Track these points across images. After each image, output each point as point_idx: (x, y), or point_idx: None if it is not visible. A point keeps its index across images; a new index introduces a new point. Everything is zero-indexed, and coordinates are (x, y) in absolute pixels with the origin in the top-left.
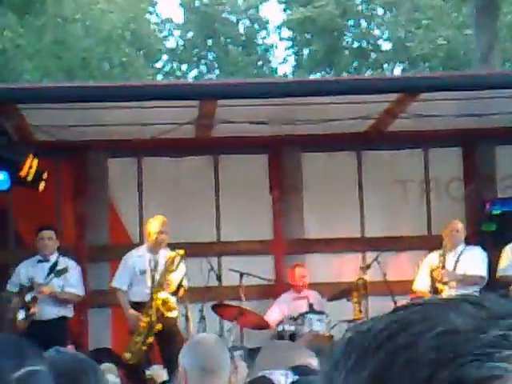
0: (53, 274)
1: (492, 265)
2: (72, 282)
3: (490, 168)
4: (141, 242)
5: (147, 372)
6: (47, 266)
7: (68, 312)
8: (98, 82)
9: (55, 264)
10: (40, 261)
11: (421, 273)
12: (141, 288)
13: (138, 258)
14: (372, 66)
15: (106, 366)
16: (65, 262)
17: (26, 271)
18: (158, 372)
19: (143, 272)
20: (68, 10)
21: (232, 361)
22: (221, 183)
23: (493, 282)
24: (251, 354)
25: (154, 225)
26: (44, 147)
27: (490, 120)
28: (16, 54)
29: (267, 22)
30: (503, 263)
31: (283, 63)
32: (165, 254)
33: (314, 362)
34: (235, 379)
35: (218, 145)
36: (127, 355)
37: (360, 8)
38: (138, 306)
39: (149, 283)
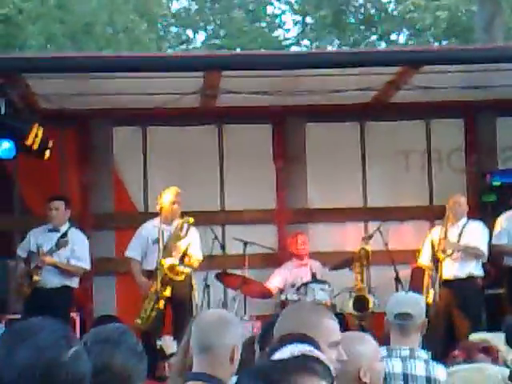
0: (67, 238)
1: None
2: (78, 254)
3: (491, 139)
4: (145, 211)
5: (158, 342)
6: (56, 236)
7: (72, 282)
8: (102, 49)
9: (64, 235)
10: (50, 230)
11: (424, 247)
12: (154, 257)
13: (151, 228)
14: (379, 33)
15: None
16: (73, 233)
17: (35, 238)
18: (169, 343)
19: (156, 242)
20: None
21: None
22: (225, 152)
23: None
24: None
25: (167, 195)
26: (49, 116)
27: (491, 92)
28: (20, 20)
29: None
30: (498, 233)
31: (287, 31)
32: (177, 224)
33: (336, 324)
34: None
35: (222, 114)
36: (138, 321)
37: None
38: (151, 274)
39: (161, 252)
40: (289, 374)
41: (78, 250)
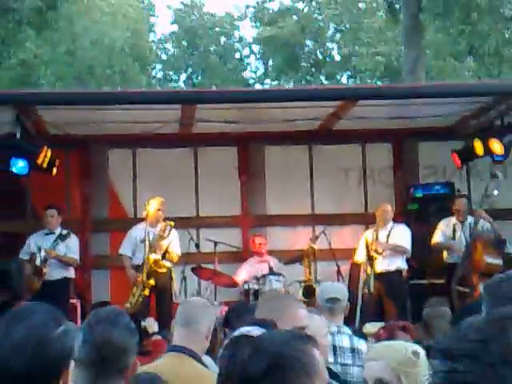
0: (58, 240)
1: (414, 238)
2: (73, 249)
3: (414, 160)
4: (135, 217)
5: (142, 323)
6: (52, 237)
7: (71, 274)
8: (101, 86)
9: (60, 235)
10: (47, 233)
11: (359, 247)
12: (141, 254)
13: (139, 230)
14: (325, 74)
15: None
16: (66, 234)
17: (35, 242)
18: (151, 324)
19: (143, 241)
20: (77, 27)
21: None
22: (199, 170)
23: (421, 250)
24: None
25: (153, 204)
26: (56, 140)
27: (414, 122)
28: (35, 63)
29: (241, 40)
30: (437, 234)
31: (254, 72)
32: (160, 227)
33: (302, 312)
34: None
35: (197, 139)
36: (128, 305)
37: (316, 26)
38: (138, 267)
39: (147, 250)
40: (302, 345)
41: (72, 246)
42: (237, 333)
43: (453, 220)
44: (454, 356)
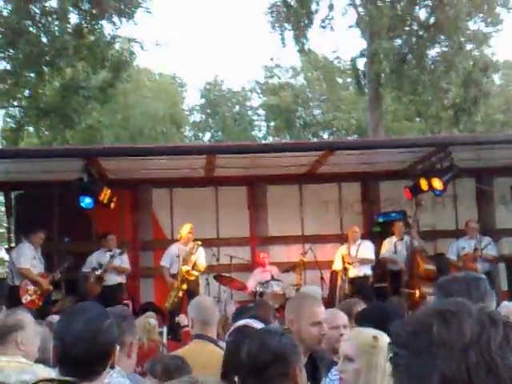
0: (115, 256)
1: (377, 251)
2: (125, 262)
3: (376, 194)
4: (172, 238)
5: (176, 318)
6: (109, 254)
7: (123, 279)
8: (146, 143)
9: (115, 253)
10: (106, 251)
11: (336, 259)
12: (176, 266)
13: (175, 248)
14: (312, 133)
15: (148, 313)
16: (119, 251)
17: (96, 258)
18: (183, 319)
19: (177, 256)
20: (130, 100)
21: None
22: (219, 203)
23: (378, 262)
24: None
25: (185, 228)
26: (114, 182)
27: (375, 166)
28: (98, 127)
29: (251, 108)
30: (382, 251)
31: (259, 131)
32: (190, 246)
33: (319, 310)
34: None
35: (217, 180)
36: (167, 304)
37: (306, 97)
38: (174, 276)
39: (181, 263)
40: (291, 337)
41: (124, 260)
42: (239, 323)
43: (394, 239)
44: (394, 341)
